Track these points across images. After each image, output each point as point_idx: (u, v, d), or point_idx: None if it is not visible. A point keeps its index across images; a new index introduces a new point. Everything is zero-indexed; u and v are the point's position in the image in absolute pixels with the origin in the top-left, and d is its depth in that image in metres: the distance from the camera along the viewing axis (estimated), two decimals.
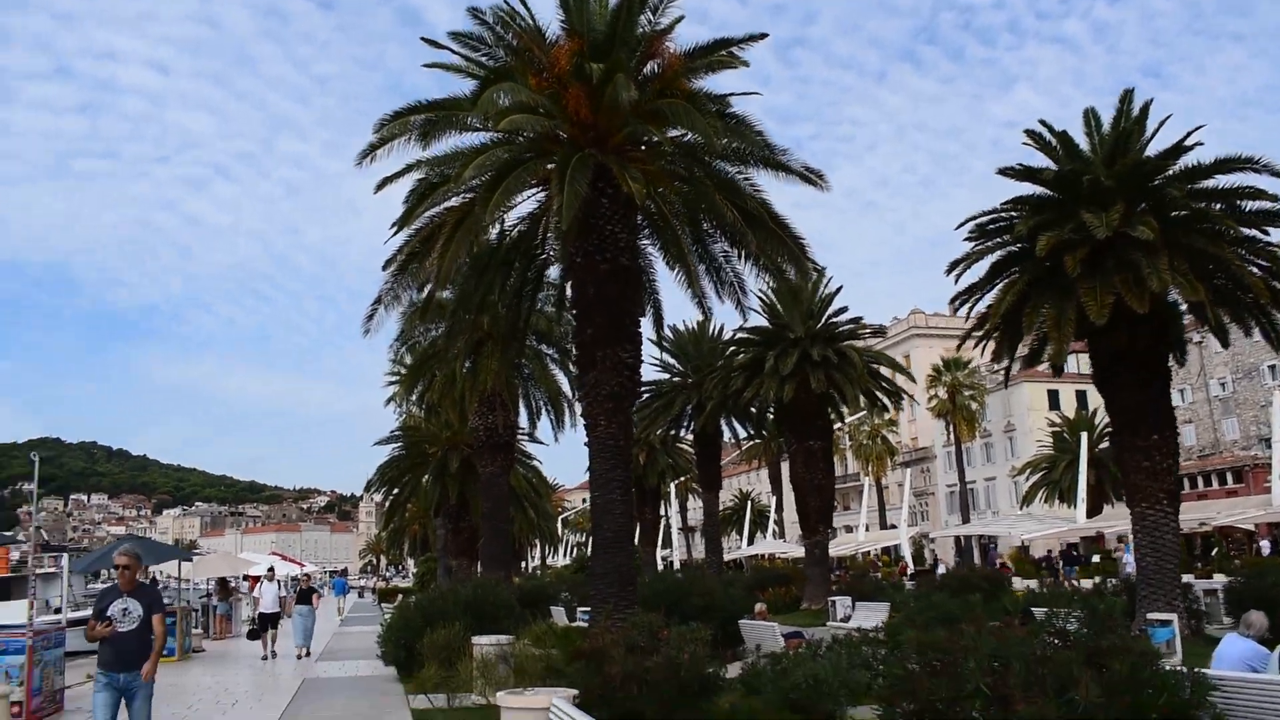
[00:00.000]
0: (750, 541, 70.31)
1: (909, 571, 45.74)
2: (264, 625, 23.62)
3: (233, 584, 36.06)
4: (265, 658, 22.54)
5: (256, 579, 26.49)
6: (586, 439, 17.01)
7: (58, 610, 41.43)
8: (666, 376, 43.28)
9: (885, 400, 37.60)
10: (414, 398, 36.01)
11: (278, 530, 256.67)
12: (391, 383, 42.06)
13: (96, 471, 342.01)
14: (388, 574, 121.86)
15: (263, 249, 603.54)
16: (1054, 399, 71.35)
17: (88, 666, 23.16)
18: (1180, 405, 60.34)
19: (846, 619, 26.40)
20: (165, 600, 29.50)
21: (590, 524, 18.58)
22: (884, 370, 37.43)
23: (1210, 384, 65.82)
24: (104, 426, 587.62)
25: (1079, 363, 49.25)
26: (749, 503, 78.72)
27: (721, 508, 50.64)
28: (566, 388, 32.45)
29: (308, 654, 22.88)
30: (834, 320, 35.36)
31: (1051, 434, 57.92)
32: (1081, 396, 66.84)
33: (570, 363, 31.46)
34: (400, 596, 48.93)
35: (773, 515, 72.80)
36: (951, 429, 63.63)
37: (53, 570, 40.08)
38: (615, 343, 16.64)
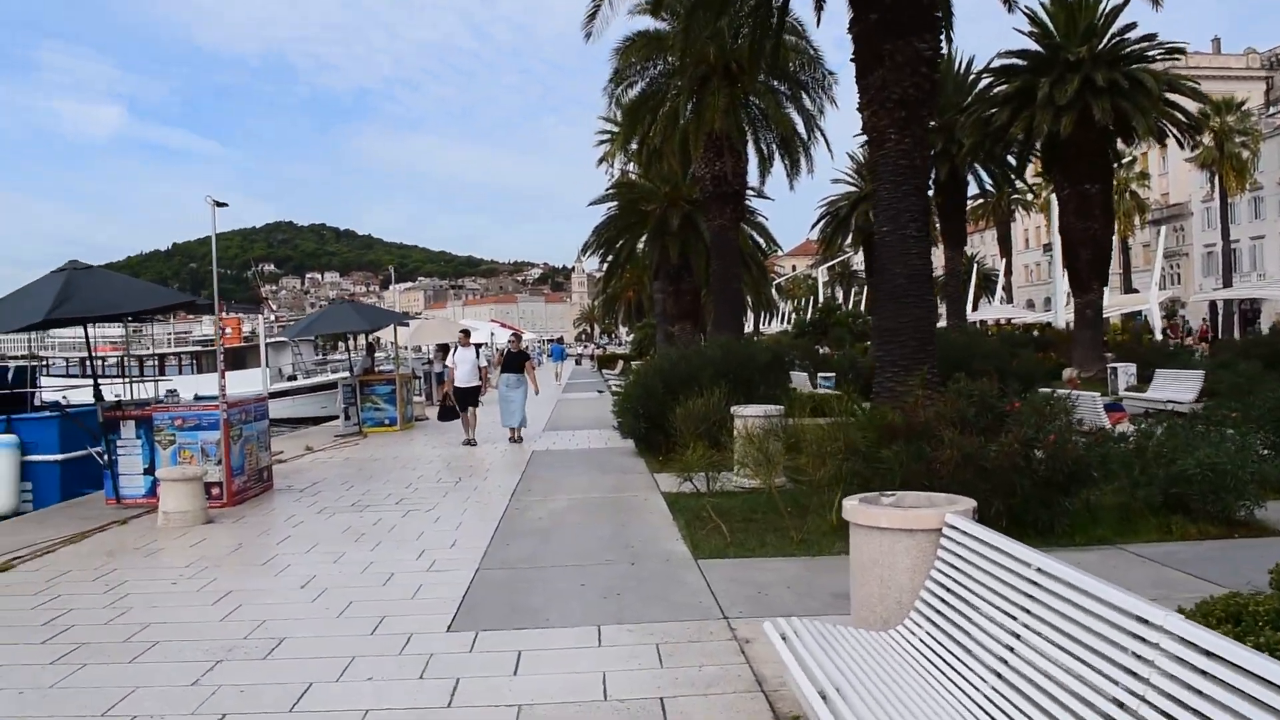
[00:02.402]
0: (975, 307, 65.83)
1: (1209, 335, 40.84)
2: (462, 404, 19.04)
3: (453, 349, 35.10)
4: (469, 442, 18.19)
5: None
6: (868, 156, 13.42)
7: (292, 378, 42.48)
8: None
9: (1178, 135, 31.73)
10: (630, 151, 33.26)
11: (495, 302, 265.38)
12: (603, 141, 40.00)
13: (327, 251, 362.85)
14: (601, 341, 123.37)
15: (460, 21, 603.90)
16: None
17: (306, 438, 21.90)
18: None
19: (1131, 389, 22.88)
20: (385, 366, 28.74)
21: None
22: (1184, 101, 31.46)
23: None
24: (331, 209, 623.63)
25: None
26: (975, 265, 73.61)
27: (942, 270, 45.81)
28: (802, 128, 28.51)
29: (519, 438, 18.67)
30: (1123, 38, 29.53)
31: None
32: None
33: (808, 96, 27.42)
34: (621, 363, 47.82)
35: (1000, 279, 67.95)
36: (1216, 181, 56.22)
37: (282, 339, 40.38)
38: (910, 31, 12.47)
